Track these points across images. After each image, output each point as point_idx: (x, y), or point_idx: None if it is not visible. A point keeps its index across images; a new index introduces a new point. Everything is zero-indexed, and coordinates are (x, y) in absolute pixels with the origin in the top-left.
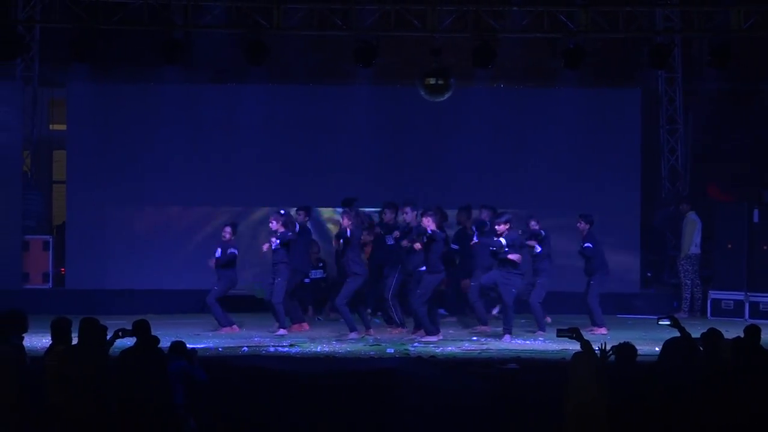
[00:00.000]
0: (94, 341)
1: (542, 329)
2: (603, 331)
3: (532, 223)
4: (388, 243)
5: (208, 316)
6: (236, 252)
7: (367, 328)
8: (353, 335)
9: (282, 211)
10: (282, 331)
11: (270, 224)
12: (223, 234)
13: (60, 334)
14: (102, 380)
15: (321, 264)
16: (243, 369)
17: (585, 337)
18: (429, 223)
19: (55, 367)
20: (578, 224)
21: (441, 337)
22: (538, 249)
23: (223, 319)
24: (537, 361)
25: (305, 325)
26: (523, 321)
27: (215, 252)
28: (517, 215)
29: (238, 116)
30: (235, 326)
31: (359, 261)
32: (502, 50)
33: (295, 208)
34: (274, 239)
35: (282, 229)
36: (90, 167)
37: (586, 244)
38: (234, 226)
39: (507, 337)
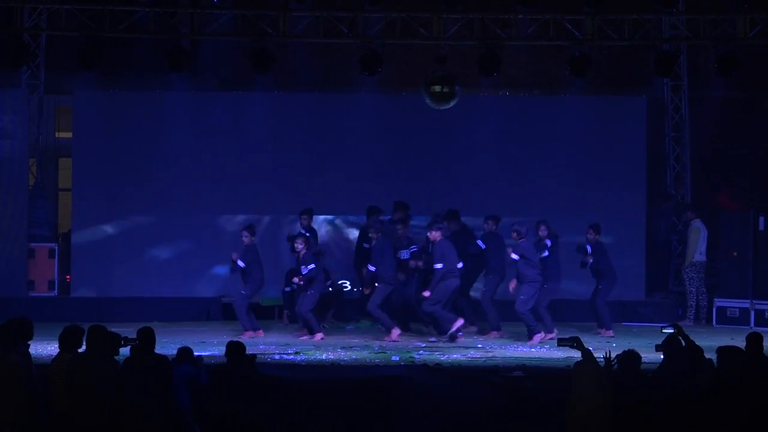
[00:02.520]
0: (102, 349)
1: (537, 332)
2: (610, 333)
3: (542, 228)
4: (403, 257)
5: (213, 323)
6: (243, 265)
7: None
8: (395, 332)
9: (306, 232)
10: (319, 336)
11: (297, 246)
12: (242, 238)
13: (69, 342)
14: (110, 389)
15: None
16: (248, 376)
17: (586, 346)
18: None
19: (62, 375)
20: (587, 235)
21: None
22: (545, 253)
23: (247, 324)
24: (542, 369)
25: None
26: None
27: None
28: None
29: (244, 124)
30: (260, 331)
31: (392, 269)
32: (508, 58)
33: (305, 216)
34: (302, 273)
35: (305, 251)
36: (96, 175)
37: (590, 260)
38: (250, 228)
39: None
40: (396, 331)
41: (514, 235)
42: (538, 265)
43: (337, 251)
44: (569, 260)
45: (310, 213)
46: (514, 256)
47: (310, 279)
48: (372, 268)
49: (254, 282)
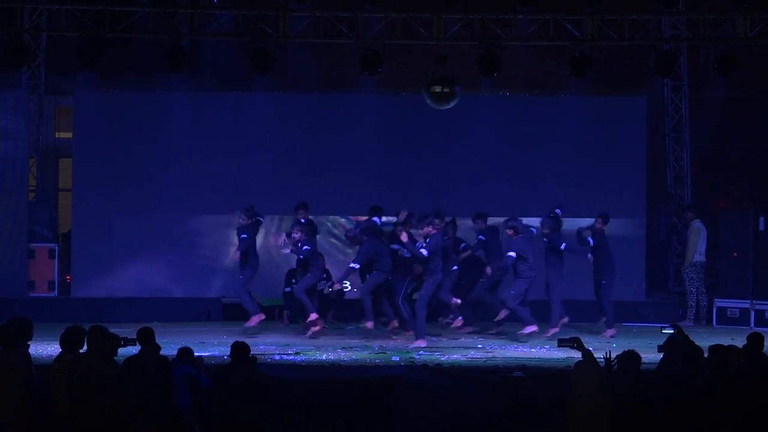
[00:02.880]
0: (103, 350)
1: (530, 323)
2: (611, 332)
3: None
4: (405, 255)
5: (213, 324)
6: (246, 236)
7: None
8: (369, 324)
9: (302, 220)
10: (313, 316)
11: (294, 235)
12: (240, 219)
13: (70, 342)
14: (110, 389)
15: (325, 275)
16: (249, 377)
17: (587, 346)
18: (430, 231)
19: (63, 375)
20: (595, 224)
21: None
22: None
23: (252, 308)
24: (543, 369)
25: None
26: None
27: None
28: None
29: (244, 124)
30: (262, 315)
31: (388, 260)
32: (508, 58)
33: (301, 211)
34: (285, 246)
35: (303, 237)
36: (96, 175)
37: (588, 237)
38: (249, 211)
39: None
40: (370, 324)
41: (510, 232)
42: (531, 262)
43: (336, 251)
44: (569, 262)
45: (305, 206)
46: (511, 254)
47: (305, 259)
48: (355, 266)
49: (251, 267)
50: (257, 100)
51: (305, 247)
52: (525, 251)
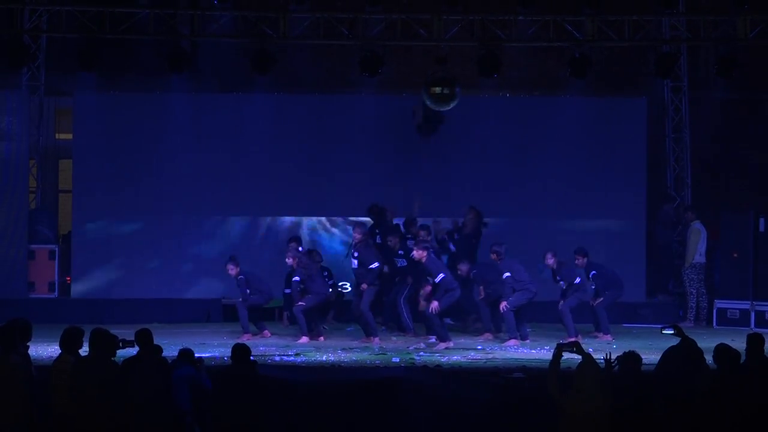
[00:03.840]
0: (105, 352)
1: (513, 337)
2: (608, 338)
3: (548, 256)
4: (400, 265)
5: (213, 325)
6: (244, 278)
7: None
8: (375, 341)
9: (300, 248)
10: (304, 339)
11: (287, 261)
12: (228, 272)
13: (69, 343)
14: (111, 391)
15: (326, 273)
16: (248, 377)
17: (586, 349)
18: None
19: (64, 376)
20: (576, 261)
21: (453, 344)
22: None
23: (245, 324)
24: (543, 370)
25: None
26: (528, 329)
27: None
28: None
29: (245, 125)
30: (250, 335)
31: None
32: (508, 59)
33: (293, 243)
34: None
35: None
36: (96, 176)
37: (591, 272)
38: (233, 260)
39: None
40: (376, 340)
41: (494, 256)
42: (526, 278)
43: (336, 252)
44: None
45: (298, 240)
46: (507, 274)
47: (300, 291)
48: (374, 266)
49: (261, 294)
50: (257, 101)
51: (295, 278)
52: (515, 270)
